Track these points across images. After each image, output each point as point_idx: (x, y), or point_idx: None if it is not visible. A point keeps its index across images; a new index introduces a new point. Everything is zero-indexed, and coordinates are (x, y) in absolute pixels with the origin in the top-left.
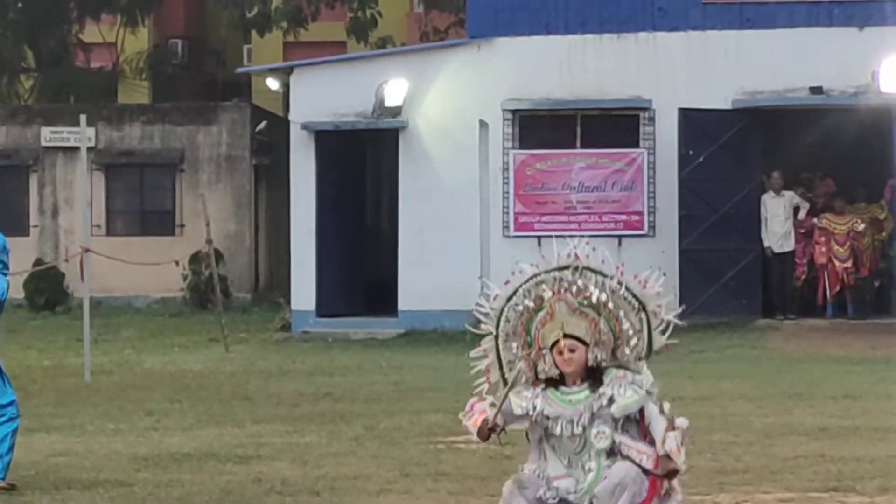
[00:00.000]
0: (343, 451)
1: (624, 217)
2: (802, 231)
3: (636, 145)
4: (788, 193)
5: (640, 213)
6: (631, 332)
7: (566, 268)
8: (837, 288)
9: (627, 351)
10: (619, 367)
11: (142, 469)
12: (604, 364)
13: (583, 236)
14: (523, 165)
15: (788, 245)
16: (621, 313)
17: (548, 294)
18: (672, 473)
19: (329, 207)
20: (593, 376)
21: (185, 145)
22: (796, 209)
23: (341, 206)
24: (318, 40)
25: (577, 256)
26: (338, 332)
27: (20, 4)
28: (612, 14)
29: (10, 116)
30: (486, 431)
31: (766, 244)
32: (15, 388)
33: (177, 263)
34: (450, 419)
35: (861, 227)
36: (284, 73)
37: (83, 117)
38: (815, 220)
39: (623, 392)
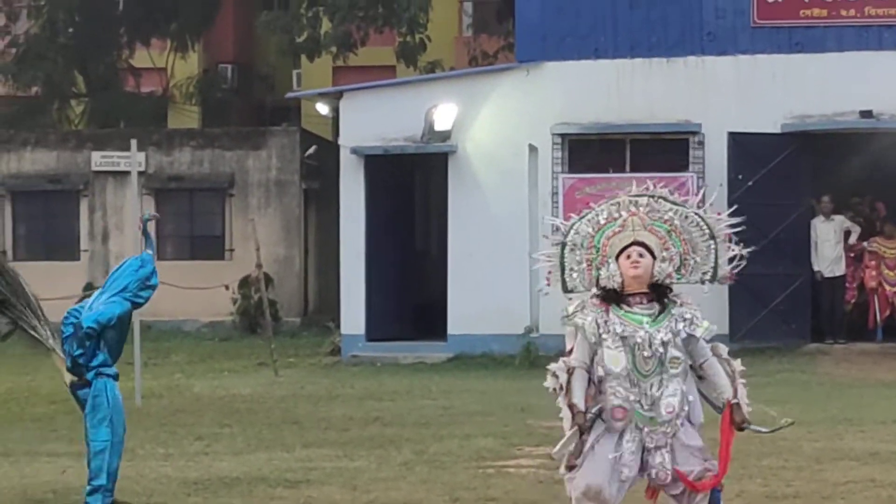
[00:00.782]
0: (392, 476)
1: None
2: (852, 255)
3: (685, 169)
4: (839, 218)
5: None
6: (698, 255)
7: (643, 195)
8: (887, 312)
9: (693, 272)
10: (678, 297)
11: (192, 493)
12: (667, 281)
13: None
14: (572, 189)
15: (839, 269)
16: (691, 236)
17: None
18: (741, 425)
19: (378, 231)
20: (658, 296)
21: (235, 170)
22: (847, 233)
23: (390, 230)
24: (368, 65)
25: (654, 185)
26: (387, 356)
27: (71, 30)
28: (660, 38)
29: (61, 141)
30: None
31: (816, 268)
32: (65, 411)
33: (226, 287)
34: (499, 443)
35: None
36: (334, 98)
37: (133, 142)
38: (864, 243)
39: (700, 317)
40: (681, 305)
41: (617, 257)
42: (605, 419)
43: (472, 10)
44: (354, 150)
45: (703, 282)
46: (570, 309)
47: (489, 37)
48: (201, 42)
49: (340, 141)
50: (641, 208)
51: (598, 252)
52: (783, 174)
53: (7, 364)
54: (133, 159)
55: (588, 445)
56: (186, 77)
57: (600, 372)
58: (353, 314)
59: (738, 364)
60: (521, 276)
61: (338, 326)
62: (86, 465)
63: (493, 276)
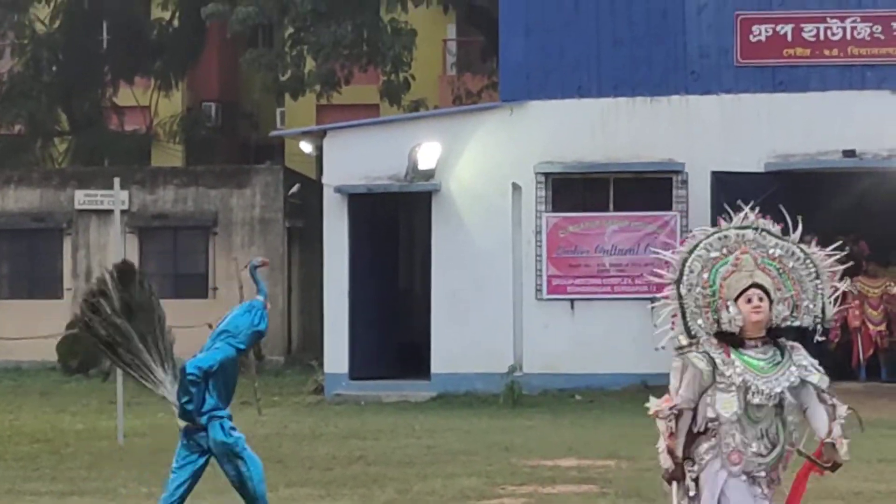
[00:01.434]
0: None
1: (657, 280)
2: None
3: (669, 208)
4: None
5: None
6: (808, 295)
7: (748, 227)
8: (871, 351)
9: (805, 315)
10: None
11: None
12: (784, 324)
13: (616, 299)
14: (556, 228)
15: None
16: (799, 275)
17: (735, 246)
18: (836, 466)
19: (362, 270)
20: (773, 339)
21: (219, 208)
22: None
23: (374, 268)
24: (352, 103)
25: (757, 217)
26: (370, 394)
27: (54, 68)
28: (644, 77)
29: (44, 179)
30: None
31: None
32: (48, 451)
33: (210, 326)
34: (483, 482)
35: (895, 290)
36: (317, 136)
37: (117, 180)
38: (847, 282)
39: (816, 364)
40: (796, 350)
41: (736, 299)
42: (722, 462)
43: (457, 49)
44: (338, 189)
45: (815, 325)
46: (683, 342)
47: (473, 76)
48: (185, 80)
49: (324, 179)
50: (748, 244)
51: (714, 295)
52: (766, 213)
53: None
54: (116, 197)
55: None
56: (170, 115)
57: (710, 414)
58: (336, 353)
59: (843, 408)
60: (505, 315)
61: (321, 365)
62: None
63: (476, 315)
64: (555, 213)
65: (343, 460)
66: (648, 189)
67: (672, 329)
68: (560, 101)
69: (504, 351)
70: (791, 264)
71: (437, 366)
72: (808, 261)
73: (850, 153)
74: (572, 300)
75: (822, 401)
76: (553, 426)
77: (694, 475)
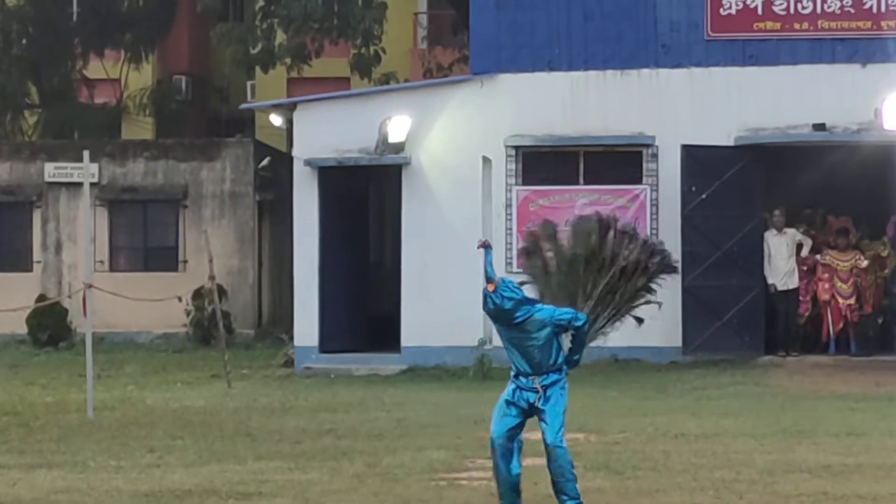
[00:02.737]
0: (345, 488)
1: None
2: (805, 268)
3: (639, 182)
4: (791, 231)
5: None
6: None
7: None
8: (841, 325)
9: None
10: None
11: None
12: None
13: None
14: (526, 201)
15: (792, 282)
16: None
17: None
18: None
19: (332, 243)
20: None
21: (189, 181)
22: (799, 246)
23: (344, 242)
24: (322, 76)
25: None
26: (340, 368)
27: (24, 41)
28: (615, 51)
29: (14, 152)
30: None
31: (769, 281)
32: (17, 424)
33: (180, 299)
34: (452, 456)
35: (864, 263)
36: (288, 110)
37: (86, 153)
38: (817, 256)
39: None
40: None
41: None
42: None
43: (427, 22)
44: (308, 162)
45: None
46: None
47: (444, 49)
48: (155, 53)
49: (294, 153)
50: None
51: None
52: (736, 187)
53: None
54: (86, 170)
55: None
56: (140, 88)
57: None
58: (306, 326)
59: None
60: (475, 289)
61: (291, 338)
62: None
63: (446, 289)
64: (525, 186)
65: (312, 433)
66: (619, 162)
67: None
68: (530, 74)
69: (474, 324)
70: None
71: (407, 339)
72: None
73: (820, 127)
74: None
75: None
76: None
77: None
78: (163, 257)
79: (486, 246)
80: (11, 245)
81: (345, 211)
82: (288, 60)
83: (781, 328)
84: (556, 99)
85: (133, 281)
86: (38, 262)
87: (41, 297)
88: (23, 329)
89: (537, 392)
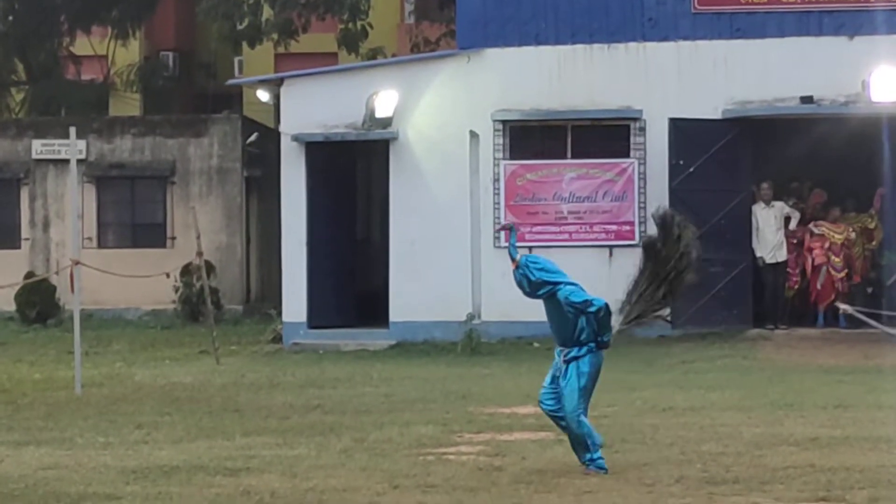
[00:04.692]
0: (332, 464)
1: (615, 227)
2: (794, 241)
3: (627, 155)
4: (779, 204)
5: (631, 224)
6: None
7: None
8: (832, 297)
9: None
10: None
11: (131, 482)
12: None
13: (574, 247)
14: (514, 176)
15: (781, 255)
16: None
17: None
18: None
19: (320, 219)
20: None
21: (176, 157)
22: (787, 219)
23: (332, 217)
24: (309, 52)
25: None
26: (329, 343)
27: (10, 17)
28: (601, 24)
29: (1, 130)
30: None
31: (758, 254)
32: (5, 401)
33: (168, 276)
34: (440, 430)
35: (853, 235)
36: (275, 85)
37: (73, 129)
38: (811, 226)
39: None
40: None
41: None
42: None
43: None
44: (296, 138)
45: None
46: None
47: (431, 24)
48: (142, 29)
49: (281, 128)
50: None
51: None
52: (724, 160)
53: None
54: (73, 147)
55: None
56: (127, 65)
57: None
58: (294, 302)
59: None
60: (463, 264)
61: (279, 314)
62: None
63: (435, 264)
64: (512, 160)
65: (300, 409)
66: (606, 136)
67: None
68: (517, 48)
69: (462, 299)
70: None
71: (395, 314)
72: None
73: (807, 99)
74: (530, 247)
75: None
76: (510, 374)
77: None
78: (151, 234)
79: (508, 228)
80: None
81: (332, 186)
82: (275, 36)
83: (769, 301)
84: (543, 73)
85: (121, 257)
86: (26, 239)
87: (29, 274)
88: (11, 306)
89: (561, 363)
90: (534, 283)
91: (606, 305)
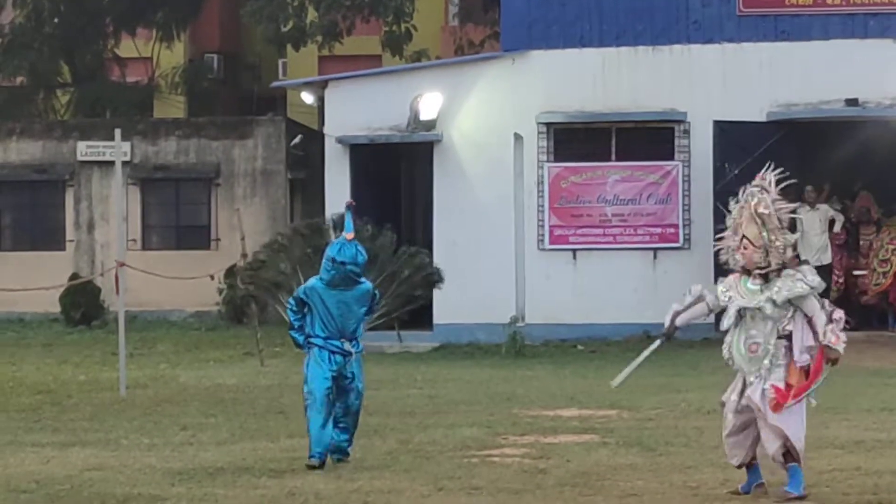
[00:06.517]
0: (377, 465)
1: (659, 230)
2: (838, 244)
3: (671, 158)
4: (823, 206)
5: (676, 226)
6: (779, 244)
7: (758, 186)
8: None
9: (773, 257)
10: (791, 268)
11: (176, 483)
12: (764, 264)
13: (618, 249)
14: (558, 178)
15: (825, 258)
16: (773, 226)
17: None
18: (835, 361)
19: (363, 221)
20: (765, 276)
21: (221, 159)
22: (831, 222)
23: (376, 219)
24: (353, 54)
25: (762, 176)
26: (372, 345)
27: (56, 20)
28: (646, 27)
29: (47, 131)
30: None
31: (801, 258)
32: (50, 402)
33: (212, 277)
34: (484, 433)
35: None
36: (319, 87)
37: (118, 131)
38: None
39: (792, 285)
40: (786, 276)
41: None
42: None
43: None
44: (340, 140)
45: (782, 265)
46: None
47: (475, 26)
48: (187, 32)
49: (326, 130)
50: (750, 199)
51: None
52: (768, 163)
53: None
54: (118, 149)
55: None
56: (172, 67)
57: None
58: None
59: (839, 314)
60: (507, 266)
61: None
62: None
63: (478, 266)
64: (557, 163)
65: None
66: (650, 139)
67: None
68: (562, 50)
69: (506, 301)
70: (770, 218)
71: (439, 316)
72: (776, 217)
73: (852, 102)
74: (574, 250)
75: (822, 306)
76: (555, 376)
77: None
78: (195, 235)
79: (348, 207)
80: (44, 224)
81: (376, 188)
82: (319, 38)
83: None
84: (588, 75)
85: (165, 259)
86: (71, 240)
87: (74, 276)
88: (56, 308)
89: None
90: (361, 264)
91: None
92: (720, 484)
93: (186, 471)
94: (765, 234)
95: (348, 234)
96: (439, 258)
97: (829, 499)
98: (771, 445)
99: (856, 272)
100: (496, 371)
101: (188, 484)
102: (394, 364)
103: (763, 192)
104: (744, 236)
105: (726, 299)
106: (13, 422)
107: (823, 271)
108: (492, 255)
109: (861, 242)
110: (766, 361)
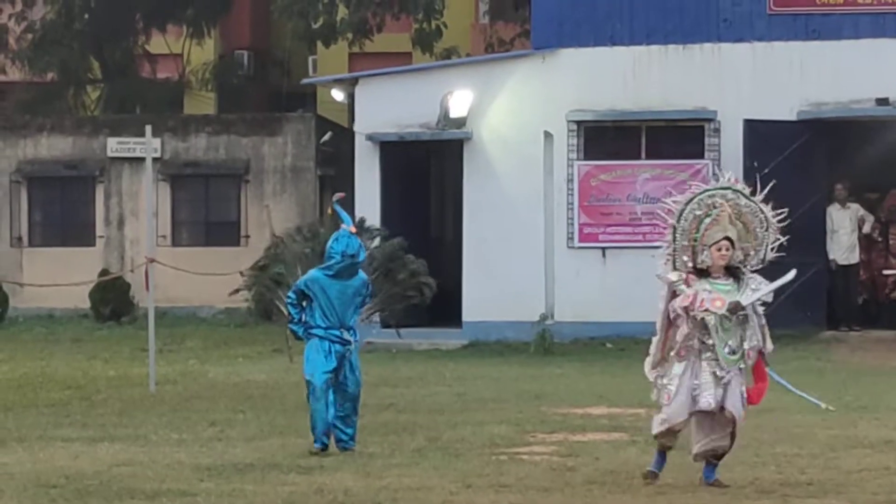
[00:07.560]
0: (405, 463)
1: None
2: (867, 243)
3: (701, 156)
4: (854, 206)
5: None
6: (758, 244)
7: (728, 188)
8: None
9: (752, 258)
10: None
11: (205, 479)
12: (734, 264)
13: (648, 247)
14: (588, 176)
15: (854, 258)
16: (755, 228)
17: (718, 203)
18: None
19: (393, 218)
20: (733, 274)
21: (251, 156)
22: (861, 221)
23: (405, 216)
24: (384, 51)
25: (735, 181)
26: (401, 343)
27: (87, 15)
28: (677, 25)
29: (77, 127)
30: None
31: (831, 256)
32: (80, 397)
33: (242, 274)
34: (513, 430)
35: None
36: (349, 84)
37: (148, 128)
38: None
39: (763, 288)
40: (752, 279)
41: (710, 245)
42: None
43: None
44: (370, 137)
45: (758, 264)
46: (674, 278)
47: (505, 24)
48: (217, 28)
49: (356, 127)
50: (729, 202)
51: (696, 241)
52: (799, 162)
53: (22, 349)
54: (148, 145)
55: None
56: (202, 63)
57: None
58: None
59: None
60: (537, 264)
61: None
62: None
63: (508, 263)
64: (587, 161)
65: (373, 408)
66: (680, 137)
67: (665, 264)
68: (592, 48)
69: (535, 299)
70: (753, 222)
71: (468, 314)
72: (765, 219)
73: (883, 101)
74: (604, 248)
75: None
76: (584, 374)
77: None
78: (224, 232)
79: (338, 200)
80: (75, 220)
81: (406, 185)
82: (349, 35)
83: (842, 303)
84: (618, 73)
85: (195, 255)
86: (101, 236)
87: (104, 272)
88: (85, 303)
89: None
90: (364, 258)
91: None
92: (749, 483)
93: (215, 466)
94: (753, 234)
95: (351, 228)
96: (468, 256)
97: (857, 498)
98: (723, 444)
99: (886, 272)
100: (525, 369)
101: (217, 480)
102: (423, 361)
103: (737, 194)
104: (726, 237)
105: (688, 292)
106: (43, 417)
107: (851, 271)
108: (521, 252)
109: (891, 242)
110: (742, 364)
